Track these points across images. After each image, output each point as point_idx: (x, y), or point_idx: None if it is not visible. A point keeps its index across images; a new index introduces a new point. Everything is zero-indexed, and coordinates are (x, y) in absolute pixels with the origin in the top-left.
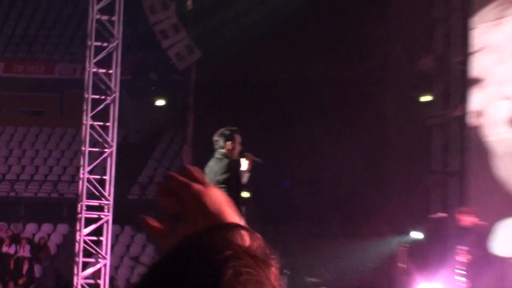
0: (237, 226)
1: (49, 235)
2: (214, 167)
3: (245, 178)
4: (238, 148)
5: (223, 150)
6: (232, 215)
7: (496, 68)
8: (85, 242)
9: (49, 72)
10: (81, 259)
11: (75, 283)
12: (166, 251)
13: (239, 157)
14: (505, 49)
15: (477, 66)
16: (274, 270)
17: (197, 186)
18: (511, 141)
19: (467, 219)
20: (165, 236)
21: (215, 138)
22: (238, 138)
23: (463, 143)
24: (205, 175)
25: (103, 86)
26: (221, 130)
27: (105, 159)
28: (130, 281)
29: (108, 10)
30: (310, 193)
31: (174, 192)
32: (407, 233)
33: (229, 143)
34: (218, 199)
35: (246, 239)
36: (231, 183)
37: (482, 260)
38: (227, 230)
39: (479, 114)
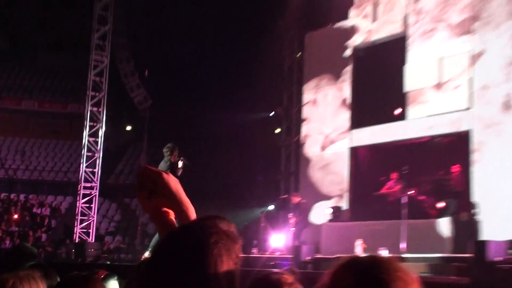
0: (219, 217)
1: (61, 202)
2: (162, 166)
3: (179, 173)
4: (176, 154)
5: (168, 156)
6: (181, 190)
7: (315, 114)
8: (82, 207)
9: (64, 108)
10: (79, 217)
11: (75, 231)
12: (172, 233)
13: (177, 160)
14: (320, 105)
15: (305, 113)
16: (239, 245)
17: (164, 173)
18: (319, 158)
19: (296, 199)
20: (144, 202)
21: (164, 149)
22: (176, 149)
23: (297, 156)
24: None
25: (95, 118)
26: (168, 144)
27: (95, 160)
28: (108, 231)
29: (99, 73)
30: (214, 185)
31: (149, 176)
32: (266, 206)
33: (172, 152)
34: (175, 181)
35: (224, 225)
36: None
37: (302, 223)
38: (214, 219)
39: (305, 139)
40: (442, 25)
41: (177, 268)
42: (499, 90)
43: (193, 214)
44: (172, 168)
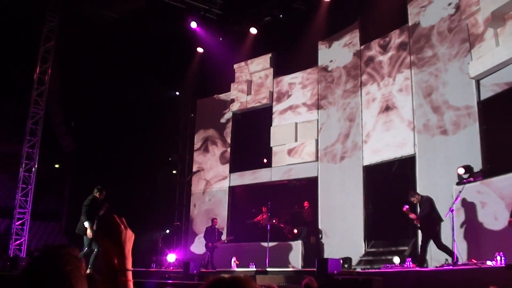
0: (66, 246)
1: (0, 224)
2: (88, 199)
3: (100, 212)
4: (103, 195)
5: (96, 194)
6: (130, 243)
7: (202, 162)
8: (16, 228)
9: (6, 148)
10: (14, 236)
11: (10, 248)
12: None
13: (103, 201)
14: (207, 154)
15: (196, 160)
16: (83, 264)
17: (122, 226)
18: (205, 195)
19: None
20: (99, 237)
21: (95, 189)
22: (104, 192)
23: (188, 192)
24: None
25: (30, 157)
26: (99, 186)
27: (28, 190)
28: (37, 248)
29: (35, 123)
30: (123, 212)
31: (112, 223)
32: (164, 230)
33: (101, 192)
34: (128, 236)
35: (72, 250)
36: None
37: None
38: (65, 247)
39: (193, 180)
40: (299, 101)
41: None
42: (335, 148)
43: (129, 265)
44: (93, 204)
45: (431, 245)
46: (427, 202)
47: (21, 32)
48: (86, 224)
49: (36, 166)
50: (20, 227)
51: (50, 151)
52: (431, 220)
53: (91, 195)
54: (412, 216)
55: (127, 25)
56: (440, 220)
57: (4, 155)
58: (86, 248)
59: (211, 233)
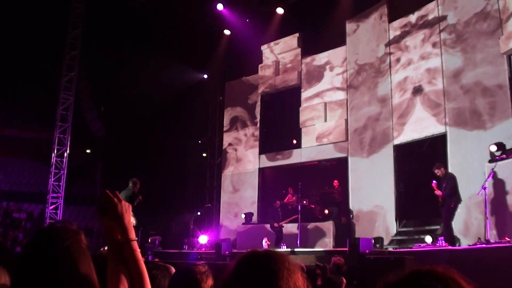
0: (65, 221)
1: (34, 209)
2: (125, 193)
3: (135, 203)
4: (138, 187)
5: (132, 188)
6: (128, 214)
7: (233, 144)
8: (50, 213)
9: (38, 135)
10: (48, 220)
11: None
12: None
13: (138, 194)
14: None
15: (225, 142)
16: (83, 236)
17: (115, 200)
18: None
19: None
20: (100, 218)
21: (130, 181)
22: (138, 183)
23: (219, 174)
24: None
25: (62, 143)
26: (133, 178)
27: (60, 175)
28: None
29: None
30: (157, 196)
31: (105, 199)
32: (195, 212)
33: (135, 185)
34: (124, 207)
35: (70, 224)
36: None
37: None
38: (63, 223)
39: (224, 162)
40: (328, 81)
41: (42, 269)
42: (365, 128)
43: (132, 235)
44: (132, 198)
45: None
46: (451, 180)
47: (48, 19)
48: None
49: (67, 151)
50: (54, 211)
51: (81, 136)
52: (451, 198)
53: (128, 189)
54: (437, 192)
55: (154, 9)
56: (459, 200)
57: (36, 141)
58: None
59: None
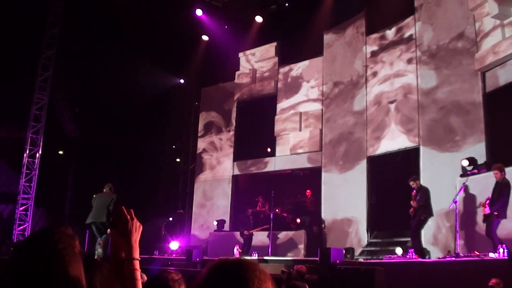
0: (60, 224)
1: (4, 210)
2: (107, 199)
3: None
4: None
5: (111, 192)
6: (137, 233)
7: (207, 151)
8: (20, 214)
9: (10, 134)
10: (17, 222)
11: (14, 233)
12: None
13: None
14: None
15: (199, 148)
16: (77, 241)
17: (128, 217)
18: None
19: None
20: (110, 227)
21: (106, 186)
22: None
23: (192, 180)
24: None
25: (34, 143)
26: (109, 184)
27: (32, 176)
28: None
29: (40, 108)
30: (128, 200)
31: (119, 214)
32: (168, 217)
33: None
34: (135, 226)
35: (65, 229)
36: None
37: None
38: (58, 226)
39: (197, 167)
40: (304, 91)
41: (35, 271)
42: (339, 138)
43: (136, 254)
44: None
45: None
46: (425, 193)
47: (25, 17)
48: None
49: (40, 152)
50: (24, 212)
51: (54, 137)
52: (423, 210)
53: (111, 196)
54: (413, 203)
55: (133, 12)
56: (431, 213)
57: (8, 140)
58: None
59: (247, 221)
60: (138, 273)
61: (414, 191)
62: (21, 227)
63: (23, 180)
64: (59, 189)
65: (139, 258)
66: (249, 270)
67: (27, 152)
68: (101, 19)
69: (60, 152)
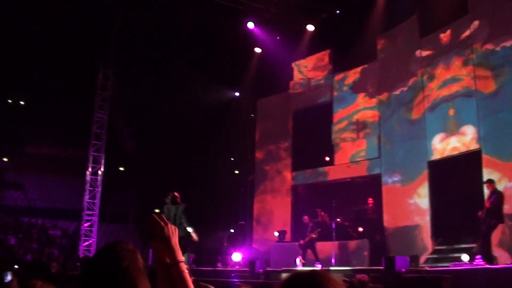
0: (121, 241)
1: (69, 226)
2: (180, 209)
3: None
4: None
5: (178, 201)
6: (174, 236)
7: (265, 162)
8: (85, 230)
9: (74, 154)
10: (83, 237)
11: (80, 249)
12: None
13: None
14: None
15: (257, 159)
16: (139, 255)
17: (162, 223)
18: (274, 191)
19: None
20: (146, 240)
21: (171, 196)
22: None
23: (252, 191)
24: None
25: (96, 161)
26: (173, 193)
27: (95, 193)
28: None
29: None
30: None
31: (153, 223)
32: (229, 229)
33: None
34: (171, 230)
35: (127, 245)
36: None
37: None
38: (120, 243)
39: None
40: (359, 97)
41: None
42: (398, 144)
43: (180, 257)
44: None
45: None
46: (499, 197)
47: (83, 40)
48: (190, 229)
49: (102, 169)
50: (89, 228)
51: (115, 154)
52: (494, 215)
53: (180, 205)
54: (486, 203)
55: (185, 29)
56: (501, 219)
57: (71, 160)
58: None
59: (304, 230)
60: (187, 274)
61: (488, 193)
62: (87, 243)
63: (87, 197)
64: (122, 204)
65: (183, 260)
66: (324, 281)
67: (90, 169)
68: (155, 37)
69: (121, 169)
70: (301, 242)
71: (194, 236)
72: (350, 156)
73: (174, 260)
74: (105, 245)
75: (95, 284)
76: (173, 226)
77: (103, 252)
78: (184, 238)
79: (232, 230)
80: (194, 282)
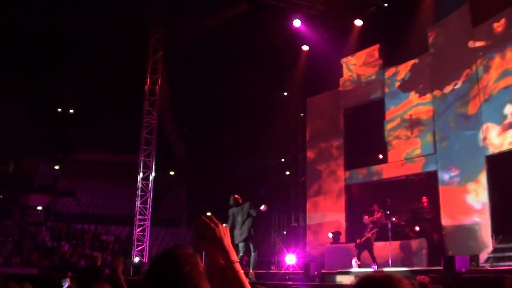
0: (180, 246)
1: (122, 231)
2: (251, 211)
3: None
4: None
5: (251, 208)
6: (226, 237)
7: (317, 162)
8: (137, 235)
9: (124, 159)
10: (135, 242)
11: (133, 254)
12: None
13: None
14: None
15: (309, 159)
16: (198, 259)
17: (212, 225)
18: (327, 192)
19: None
20: (197, 242)
21: (247, 205)
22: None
23: (304, 192)
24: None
25: (146, 166)
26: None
27: (147, 198)
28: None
29: (150, 132)
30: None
31: (203, 224)
32: (282, 231)
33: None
34: (222, 230)
35: (187, 249)
36: None
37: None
38: (179, 248)
39: (308, 181)
40: (412, 91)
41: None
42: (453, 138)
43: (234, 257)
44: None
45: None
46: None
47: (129, 46)
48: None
49: (153, 174)
50: (141, 233)
51: (165, 158)
52: None
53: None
54: None
55: (231, 30)
56: None
57: (122, 165)
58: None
59: (363, 229)
60: (243, 274)
61: None
62: (140, 248)
63: (139, 202)
64: (173, 208)
65: (238, 260)
66: (397, 284)
67: (141, 175)
68: (201, 39)
69: (172, 173)
70: (358, 241)
71: (263, 207)
72: (405, 154)
73: (228, 261)
74: (164, 250)
75: None
76: (223, 227)
77: (163, 258)
78: (249, 239)
79: (285, 232)
80: (251, 285)
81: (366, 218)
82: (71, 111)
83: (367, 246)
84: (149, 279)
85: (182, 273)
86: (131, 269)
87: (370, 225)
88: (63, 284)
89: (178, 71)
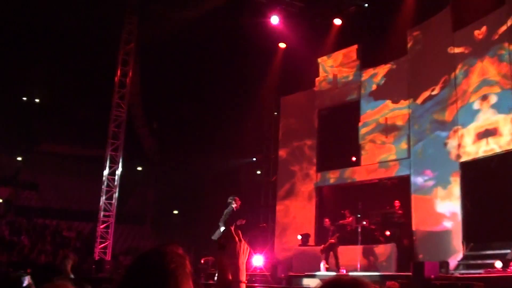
0: (170, 244)
1: (84, 227)
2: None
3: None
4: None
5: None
6: (244, 256)
7: (289, 162)
8: (101, 231)
9: (90, 152)
10: (99, 239)
11: (95, 251)
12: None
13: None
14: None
15: (280, 159)
16: (188, 260)
17: (236, 239)
18: (297, 193)
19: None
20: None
21: (229, 199)
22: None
23: (274, 192)
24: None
25: (113, 160)
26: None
27: (112, 193)
28: (121, 251)
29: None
30: (208, 215)
31: (230, 236)
32: (250, 231)
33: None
34: (242, 249)
35: (176, 248)
36: None
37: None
38: (169, 245)
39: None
40: (388, 94)
41: None
42: (428, 143)
43: (243, 277)
44: (232, 217)
45: None
46: None
47: (100, 36)
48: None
49: (119, 169)
50: (105, 230)
51: (133, 154)
52: None
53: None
54: None
55: (206, 24)
56: None
57: (88, 159)
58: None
59: (326, 234)
60: None
61: None
62: (103, 245)
63: (104, 197)
64: (139, 205)
65: (246, 281)
66: None
67: (107, 169)
68: (174, 33)
69: (139, 169)
70: (322, 246)
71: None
72: (379, 158)
73: (236, 279)
74: (154, 246)
75: (138, 284)
76: (246, 245)
77: (150, 253)
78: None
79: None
80: None
81: (326, 221)
82: (37, 100)
83: (332, 250)
84: (130, 272)
85: (166, 269)
86: (93, 267)
87: (332, 229)
88: (23, 281)
89: (151, 65)
